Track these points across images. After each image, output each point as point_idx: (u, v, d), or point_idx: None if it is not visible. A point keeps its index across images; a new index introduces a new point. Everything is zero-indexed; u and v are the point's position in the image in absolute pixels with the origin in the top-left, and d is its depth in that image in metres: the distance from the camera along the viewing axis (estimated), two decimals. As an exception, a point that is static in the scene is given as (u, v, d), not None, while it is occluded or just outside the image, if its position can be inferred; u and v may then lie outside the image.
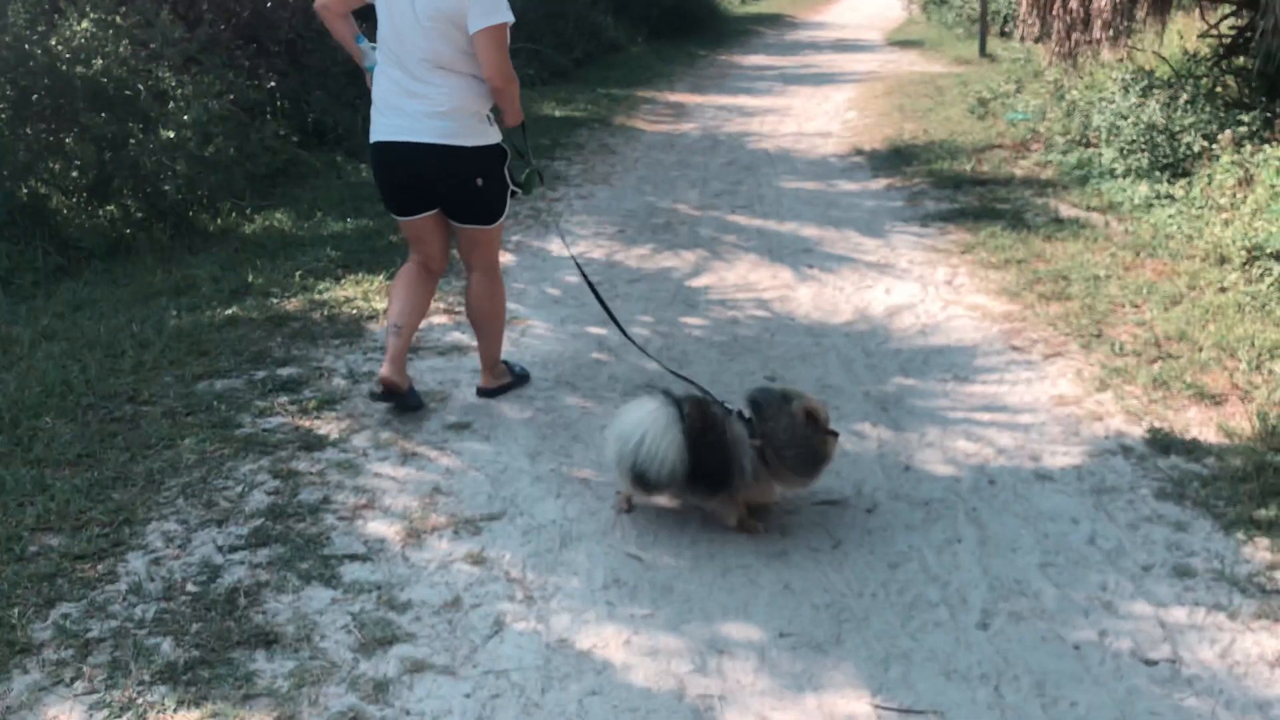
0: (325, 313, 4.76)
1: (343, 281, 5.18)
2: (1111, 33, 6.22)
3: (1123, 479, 3.19)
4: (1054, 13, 6.83)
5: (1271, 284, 4.40)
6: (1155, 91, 6.58)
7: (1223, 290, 4.56)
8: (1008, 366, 4.09)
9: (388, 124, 3.51)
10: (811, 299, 5.03)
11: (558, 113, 10.28)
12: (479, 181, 3.55)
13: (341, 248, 5.70)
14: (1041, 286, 4.86)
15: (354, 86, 9.19)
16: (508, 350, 4.20)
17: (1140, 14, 6.35)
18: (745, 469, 2.90)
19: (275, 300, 4.89)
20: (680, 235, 6.19)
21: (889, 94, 11.04)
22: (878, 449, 3.49)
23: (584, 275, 4.08)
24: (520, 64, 10.23)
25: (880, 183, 7.23)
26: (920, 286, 5.10)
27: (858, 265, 5.50)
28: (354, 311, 4.78)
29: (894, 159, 7.83)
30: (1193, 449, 3.31)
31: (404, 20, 3.35)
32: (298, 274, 5.22)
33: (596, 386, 4.05)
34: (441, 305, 4.91)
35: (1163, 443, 3.36)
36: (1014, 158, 7.43)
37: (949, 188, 6.83)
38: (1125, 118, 6.29)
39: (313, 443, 3.50)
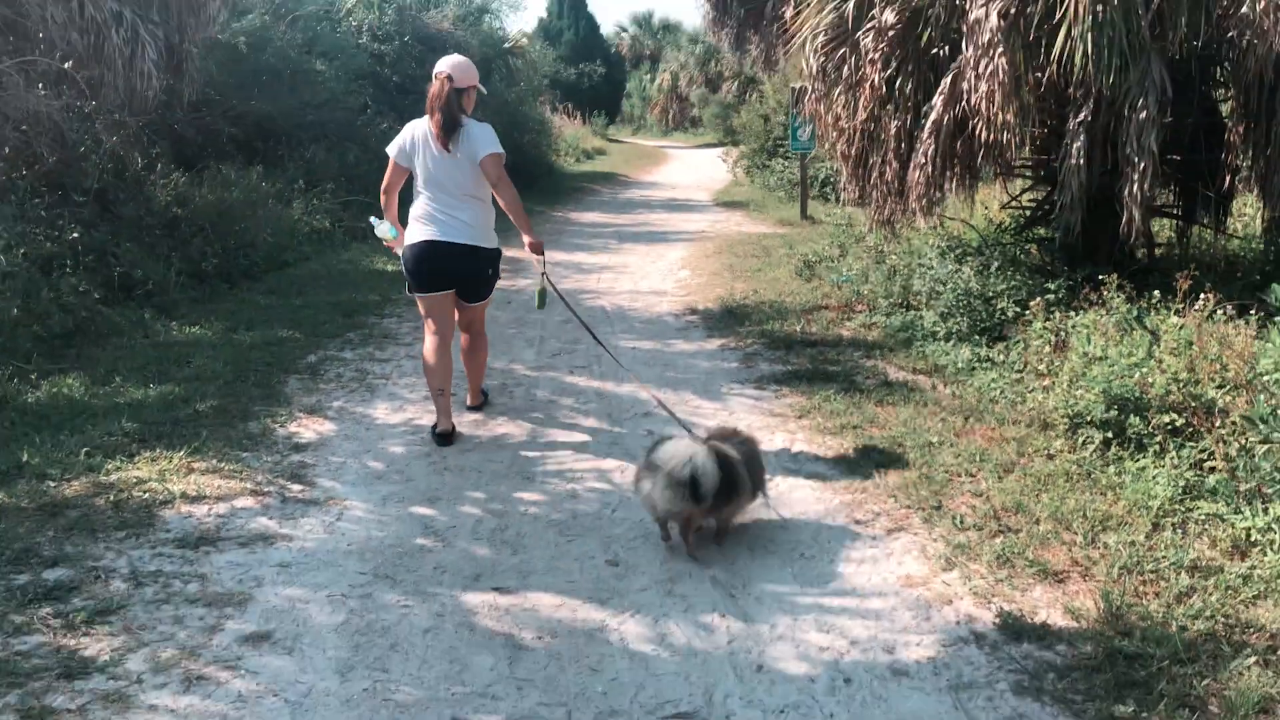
0: (111, 498, 4.23)
1: (136, 459, 4.66)
2: (925, 202, 6.51)
3: (979, 672, 3.05)
4: (871, 182, 7.13)
5: (1094, 451, 4.50)
6: (969, 258, 6.90)
7: (1050, 457, 4.63)
8: (853, 543, 3.97)
9: (433, 229, 5.06)
10: (651, 469, 4.84)
11: (389, 267, 10.02)
12: (489, 271, 5.25)
13: (139, 418, 5.18)
14: (878, 454, 4.83)
15: (170, 239, 8.72)
16: (319, 538, 3.79)
17: (950, 186, 6.69)
18: (748, 487, 3.96)
19: (52, 484, 4.33)
20: (516, 398, 5.95)
21: (719, 253, 11.33)
22: (728, 645, 3.25)
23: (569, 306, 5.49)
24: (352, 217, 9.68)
25: (715, 343, 7.24)
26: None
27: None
28: (145, 496, 4.26)
29: (727, 319, 7.90)
30: (1044, 635, 3.22)
31: (444, 166, 5.03)
32: (83, 451, 4.68)
33: (420, 580, 3.68)
34: (248, 486, 4.46)
35: (1014, 629, 3.26)
36: (840, 319, 7.60)
37: (781, 348, 6.89)
38: (944, 283, 6.54)
39: (76, 668, 2.97)
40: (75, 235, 7.63)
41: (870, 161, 7.02)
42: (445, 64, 5.10)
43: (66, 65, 7.80)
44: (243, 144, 11.68)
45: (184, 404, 5.49)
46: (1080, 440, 4.62)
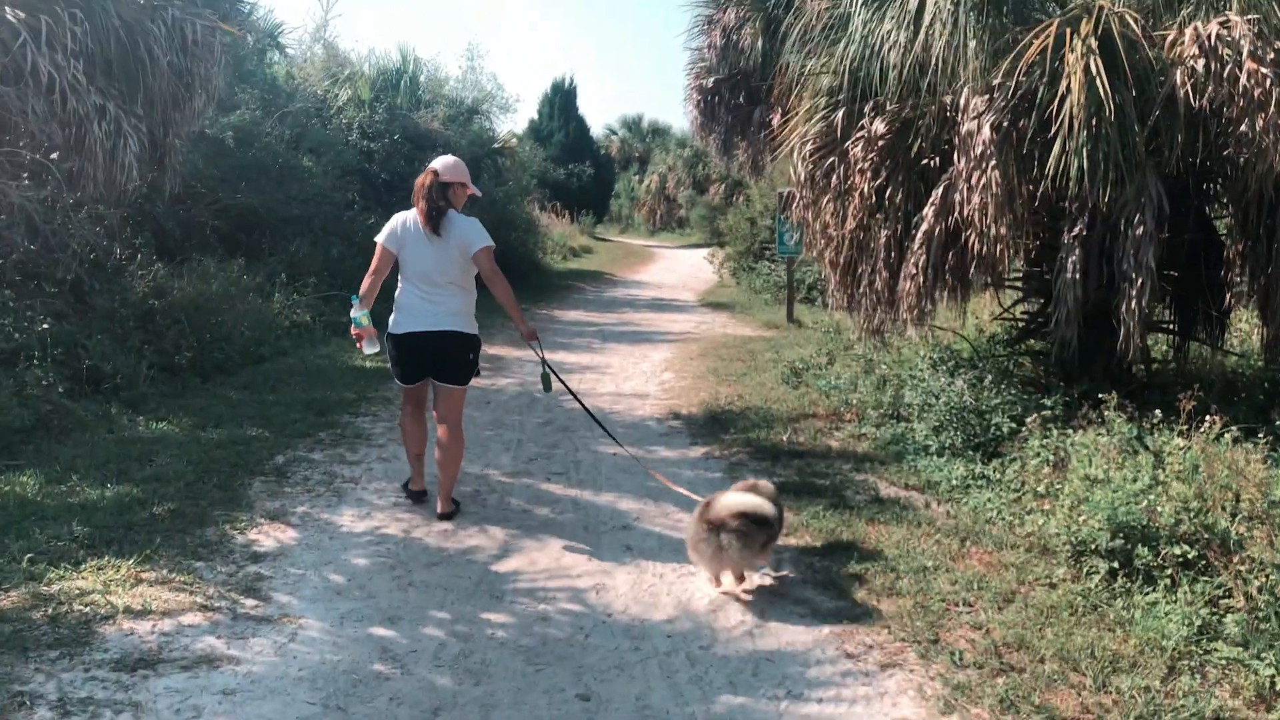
0: (49, 611, 3.92)
1: (82, 567, 4.35)
2: (916, 313, 6.38)
3: (986, 838, 2.76)
4: (860, 290, 7.03)
5: (1100, 582, 4.26)
6: (961, 371, 6.75)
7: (1052, 586, 4.39)
8: (843, 679, 3.69)
9: (417, 320, 5.28)
10: (630, 588, 4.56)
11: (367, 364, 9.81)
12: (470, 356, 5.40)
13: (91, 521, 4.88)
14: (870, 579, 4.58)
15: (144, 331, 8.51)
16: (268, 662, 3.49)
17: (941, 296, 6.59)
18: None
19: (-15, 595, 4.02)
20: (489, 507, 5.69)
21: (704, 355, 11.18)
22: (708, 799, 2.95)
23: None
24: (334, 311, 9.58)
25: (699, 451, 7.02)
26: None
27: (679, 547, 5.08)
28: (86, 609, 3.96)
29: (711, 425, 7.69)
30: (1055, 794, 2.94)
31: (432, 256, 5.24)
32: (26, 558, 4.37)
33: (374, 714, 3.37)
34: (199, 600, 4.16)
35: (1023, 786, 2.98)
36: (829, 428, 7.41)
37: (767, 459, 6.67)
38: (937, 396, 6.36)
39: (-23, 820, 2.66)
40: (45, 326, 7.42)
41: (859, 270, 6.94)
42: (435, 161, 5.45)
43: (52, 157, 7.71)
44: (226, 236, 11.57)
45: (140, 506, 5.20)
46: (1084, 569, 4.38)
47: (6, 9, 7.14)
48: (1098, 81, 5.23)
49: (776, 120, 15.24)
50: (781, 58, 14.58)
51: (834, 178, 6.71)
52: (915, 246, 6.23)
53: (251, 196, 11.72)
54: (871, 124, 6.45)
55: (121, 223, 9.80)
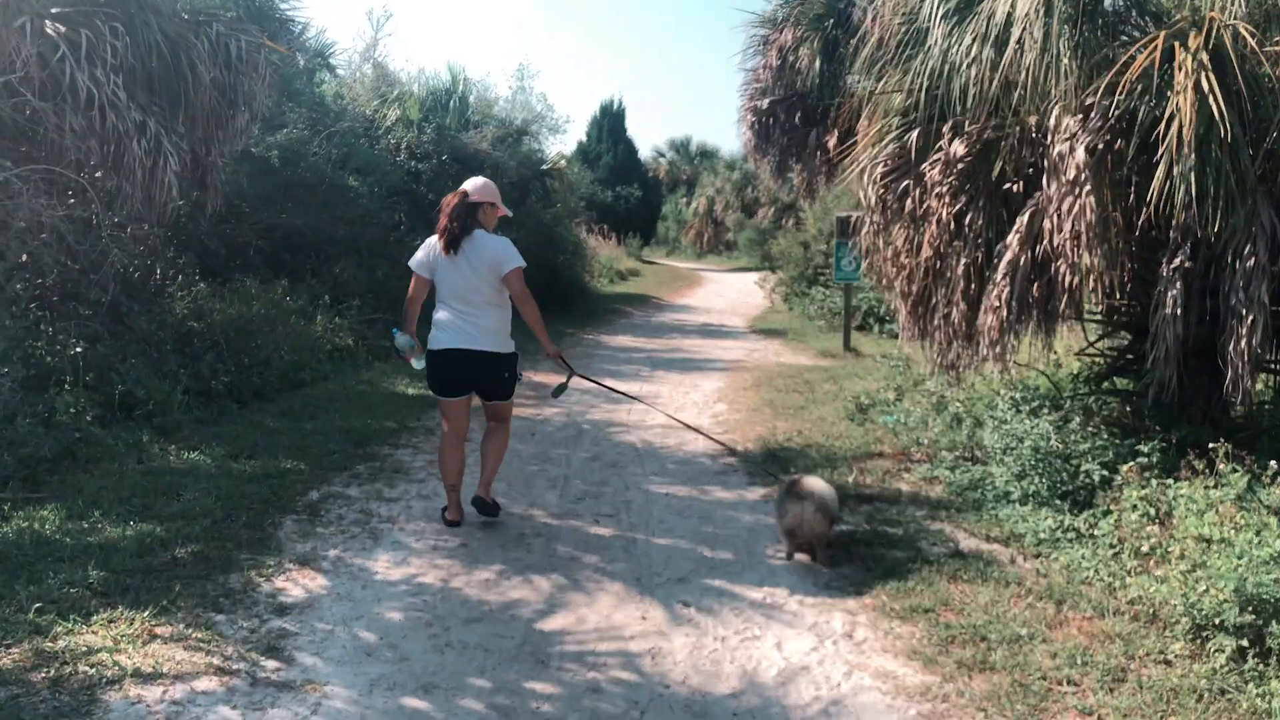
0: (51, 673, 3.57)
1: (93, 620, 4.00)
2: (998, 349, 5.89)
3: None
4: (934, 323, 6.55)
5: (1226, 663, 3.74)
6: (1044, 411, 6.24)
7: (1168, 664, 3.88)
8: (939, 776, 3.22)
9: (454, 337, 5.40)
10: (689, 654, 4.12)
11: (410, 390, 9.49)
12: (506, 375, 5.54)
13: (109, 565, 4.55)
14: (958, 649, 4.09)
15: (181, 354, 8.25)
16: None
17: (1025, 330, 6.08)
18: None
19: (-15, 652, 3.68)
20: (534, 553, 5.28)
21: (758, 386, 10.72)
22: None
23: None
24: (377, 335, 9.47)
25: (757, 492, 6.56)
26: (816, 639, 4.27)
27: (740, 604, 4.65)
28: (91, 671, 3.60)
29: (770, 463, 7.22)
30: None
31: (463, 276, 5.36)
32: (34, 607, 4.03)
33: (403, 810, 2.96)
34: (215, 661, 3.78)
35: None
36: (898, 469, 6.91)
37: (833, 503, 6.19)
38: (1020, 439, 5.85)
39: None
40: (78, 350, 7.17)
41: (933, 300, 6.46)
42: (466, 182, 5.61)
43: (96, 175, 7.50)
44: (270, 257, 11.36)
45: (163, 547, 4.86)
46: (1207, 646, 3.86)
47: (47, 23, 6.94)
48: (1210, 99, 4.74)
49: (833, 143, 14.78)
50: (842, 78, 14.20)
51: (908, 202, 6.25)
52: (998, 277, 5.74)
53: (297, 216, 11.50)
54: (950, 145, 5.99)
55: (165, 243, 9.60)
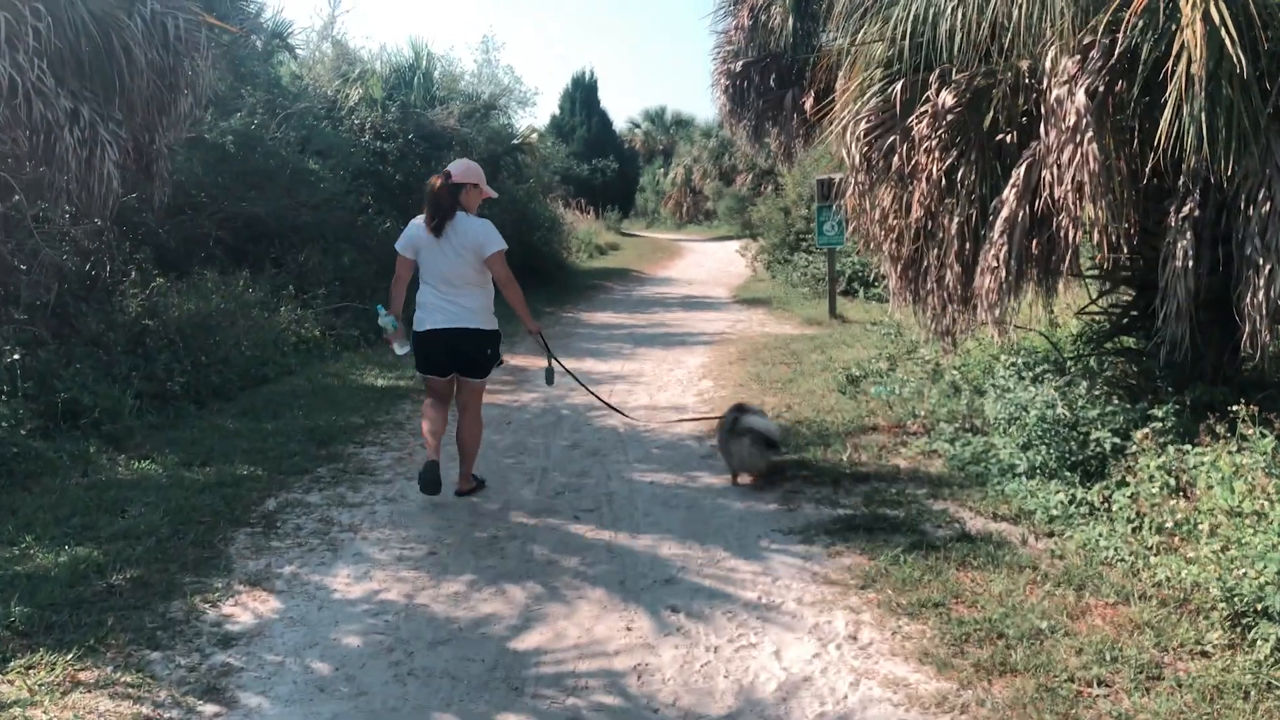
0: (-44, 733, 3.16)
1: (10, 666, 3.58)
2: (997, 312, 5.48)
3: None
4: (927, 287, 6.15)
5: (1272, 653, 3.38)
6: (1047, 376, 5.86)
7: (1205, 656, 3.52)
8: (964, 806, 2.84)
9: (439, 317, 5.48)
10: (679, 669, 3.73)
11: (379, 382, 9.05)
12: (489, 351, 5.61)
13: (35, 600, 4.11)
14: (974, 649, 3.72)
15: (134, 355, 7.79)
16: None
17: (1024, 291, 5.69)
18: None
19: (-119, 713, 3.26)
20: (509, 558, 4.88)
21: (744, 359, 10.32)
22: None
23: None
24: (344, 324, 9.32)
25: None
26: (818, 644, 3.89)
27: (733, 606, 4.27)
28: (2, 730, 3.19)
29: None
30: None
31: (446, 257, 5.43)
32: (-54, 653, 3.62)
33: None
34: (145, 710, 3.36)
35: None
36: (894, 444, 6.53)
37: (827, 484, 5.82)
38: (1025, 408, 5.47)
39: None
40: (15, 357, 6.71)
41: (925, 263, 6.06)
42: (451, 165, 5.65)
43: (26, 167, 7.00)
44: (232, 248, 10.85)
45: (98, 574, 4.43)
46: (1249, 636, 3.49)
47: (-44, 7, 6.41)
48: (1222, 32, 4.32)
49: (810, 103, 14.32)
50: (816, 35, 13.71)
51: (895, 159, 5.81)
52: (994, 235, 5.33)
53: (257, 204, 10.98)
54: (938, 96, 5.55)
55: (119, 238, 9.11)
